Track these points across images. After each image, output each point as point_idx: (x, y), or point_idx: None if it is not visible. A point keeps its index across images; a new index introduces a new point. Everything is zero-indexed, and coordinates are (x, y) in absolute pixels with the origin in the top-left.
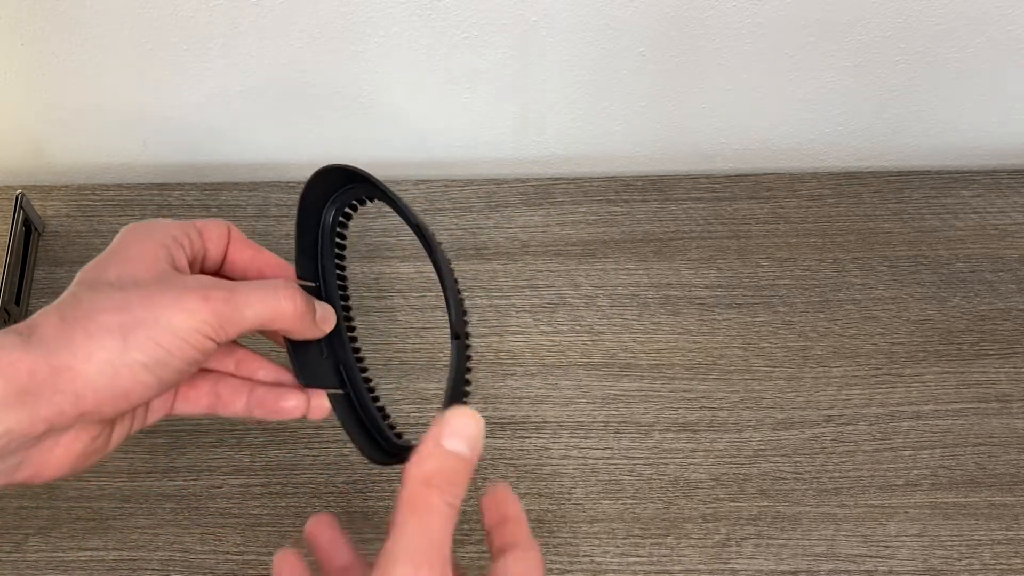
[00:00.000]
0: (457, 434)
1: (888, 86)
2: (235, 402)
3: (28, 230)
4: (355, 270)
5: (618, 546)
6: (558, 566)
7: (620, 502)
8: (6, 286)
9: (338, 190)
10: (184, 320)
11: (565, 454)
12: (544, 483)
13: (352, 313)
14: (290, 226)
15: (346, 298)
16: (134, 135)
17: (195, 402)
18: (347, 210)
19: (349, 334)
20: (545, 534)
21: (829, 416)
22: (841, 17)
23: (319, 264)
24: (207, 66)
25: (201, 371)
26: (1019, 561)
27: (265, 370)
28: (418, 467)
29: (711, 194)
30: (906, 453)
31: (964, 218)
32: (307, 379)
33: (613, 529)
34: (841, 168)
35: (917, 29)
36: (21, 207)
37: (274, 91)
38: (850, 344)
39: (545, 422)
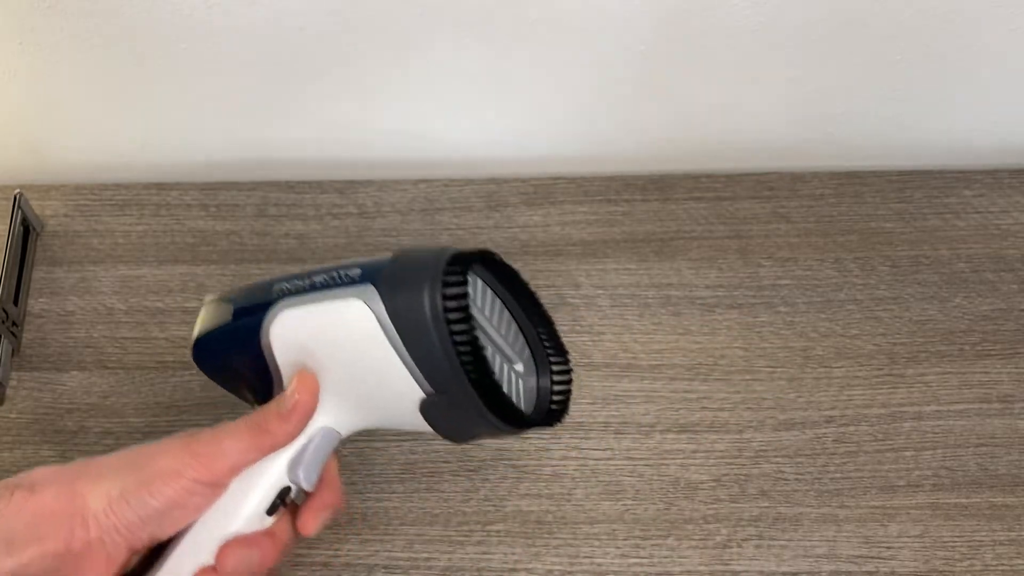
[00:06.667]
0: None
1: (889, 86)
2: None
3: (26, 230)
4: None
5: (619, 547)
6: (558, 567)
7: (621, 503)
8: (4, 286)
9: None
10: (168, 463)
11: (565, 455)
12: (544, 484)
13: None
14: (289, 225)
15: None
16: (132, 134)
17: None
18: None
19: None
20: (545, 535)
21: (830, 417)
22: (841, 17)
23: None
24: (206, 64)
25: None
26: (1021, 562)
27: None
28: None
29: (712, 193)
30: (908, 454)
31: (966, 218)
32: None
33: (614, 530)
34: (842, 167)
35: (917, 29)
36: (19, 207)
37: (273, 91)
38: (852, 344)
39: None
